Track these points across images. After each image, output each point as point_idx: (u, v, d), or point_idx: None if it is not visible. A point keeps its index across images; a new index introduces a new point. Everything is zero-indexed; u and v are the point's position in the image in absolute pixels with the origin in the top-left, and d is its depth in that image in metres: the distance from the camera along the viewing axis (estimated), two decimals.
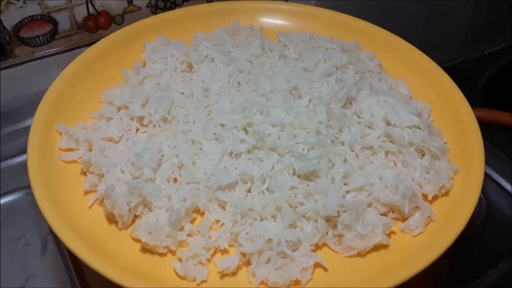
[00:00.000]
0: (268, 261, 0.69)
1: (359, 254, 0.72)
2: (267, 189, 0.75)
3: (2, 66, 0.97)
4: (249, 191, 0.75)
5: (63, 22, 0.99)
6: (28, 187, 0.74)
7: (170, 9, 1.08)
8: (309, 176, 0.76)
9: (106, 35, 0.97)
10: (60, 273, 0.81)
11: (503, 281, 0.83)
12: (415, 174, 0.78)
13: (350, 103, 0.87)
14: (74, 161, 0.80)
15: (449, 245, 0.69)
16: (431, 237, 0.73)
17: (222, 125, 0.81)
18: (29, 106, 0.91)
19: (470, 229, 0.73)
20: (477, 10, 1.45)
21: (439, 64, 0.96)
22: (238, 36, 1.01)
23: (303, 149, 0.77)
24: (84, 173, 0.79)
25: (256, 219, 0.73)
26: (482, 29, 1.50)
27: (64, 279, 0.80)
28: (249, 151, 0.78)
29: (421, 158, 0.81)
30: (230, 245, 0.72)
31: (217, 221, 0.74)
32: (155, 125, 0.83)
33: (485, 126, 0.86)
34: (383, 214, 0.75)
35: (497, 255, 0.86)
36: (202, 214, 0.75)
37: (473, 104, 0.88)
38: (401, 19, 1.24)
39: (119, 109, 0.86)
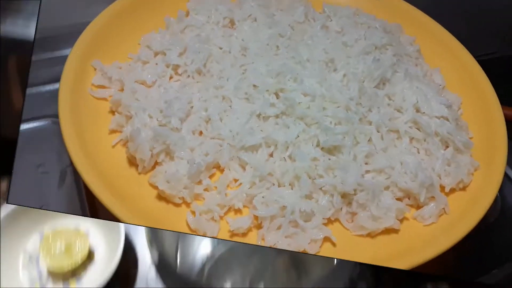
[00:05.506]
0: (279, 228, 0.70)
1: (369, 235, 0.73)
2: (289, 157, 0.75)
3: None
4: (271, 155, 0.76)
5: None
6: (56, 116, 0.74)
7: None
8: (332, 150, 0.76)
9: None
10: (74, 205, 0.82)
11: (510, 282, 0.83)
12: (436, 165, 0.79)
13: (384, 84, 0.87)
14: (105, 99, 0.81)
15: (459, 239, 0.70)
16: (442, 229, 0.74)
17: (254, 86, 0.81)
18: (67, 36, 0.92)
19: (482, 226, 0.73)
20: None
21: (477, 56, 0.96)
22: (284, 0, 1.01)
23: (331, 122, 0.78)
24: (112, 112, 0.80)
25: (274, 184, 0.74)
26: None
27: (77, 212, 0.81)
28: (277, 116, 0.79)
29: (445, 150, 0.81)
30: (244, 206, 0.73)
31: (235, 180, 0.75)
32: (189, 76, 0.84)
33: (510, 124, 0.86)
34: (399, 199, 0.76)
35: (507, 254, 0.86)
36: (222, 171, 0.76)
37: (509, 101, 0.88)
38: (445, 8, 1.23)
39: (156, 54, 0.86)
